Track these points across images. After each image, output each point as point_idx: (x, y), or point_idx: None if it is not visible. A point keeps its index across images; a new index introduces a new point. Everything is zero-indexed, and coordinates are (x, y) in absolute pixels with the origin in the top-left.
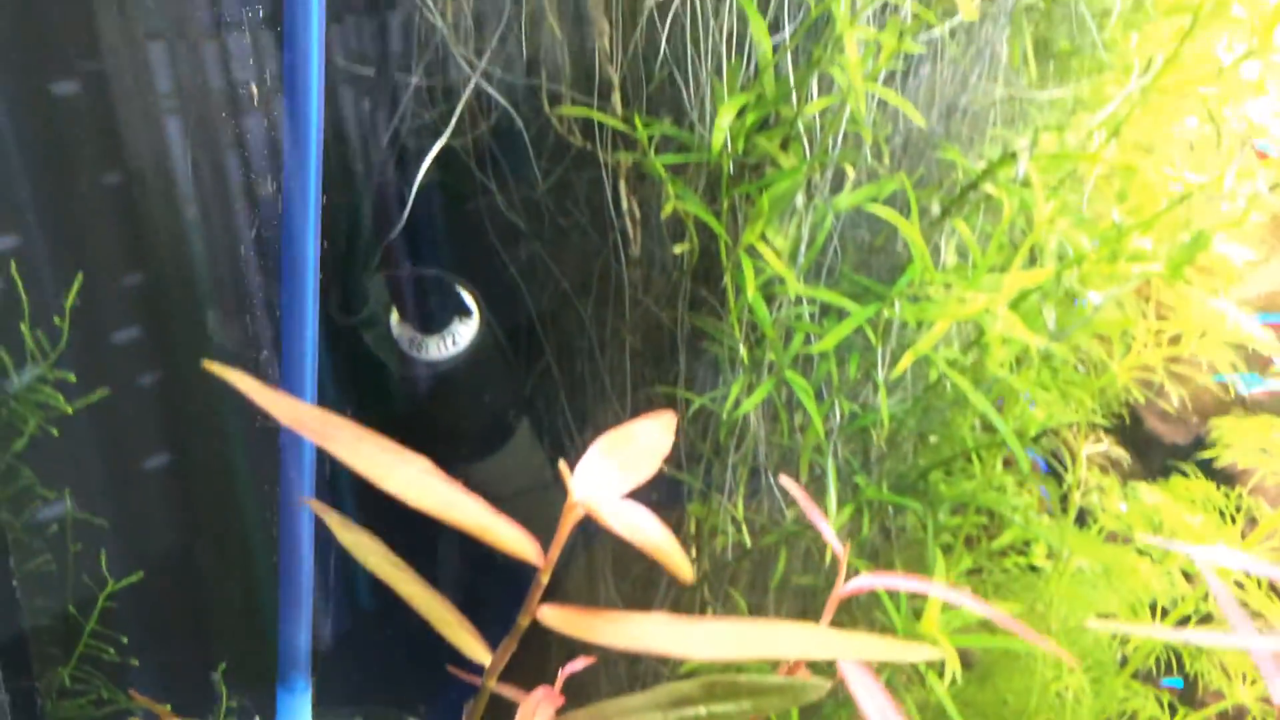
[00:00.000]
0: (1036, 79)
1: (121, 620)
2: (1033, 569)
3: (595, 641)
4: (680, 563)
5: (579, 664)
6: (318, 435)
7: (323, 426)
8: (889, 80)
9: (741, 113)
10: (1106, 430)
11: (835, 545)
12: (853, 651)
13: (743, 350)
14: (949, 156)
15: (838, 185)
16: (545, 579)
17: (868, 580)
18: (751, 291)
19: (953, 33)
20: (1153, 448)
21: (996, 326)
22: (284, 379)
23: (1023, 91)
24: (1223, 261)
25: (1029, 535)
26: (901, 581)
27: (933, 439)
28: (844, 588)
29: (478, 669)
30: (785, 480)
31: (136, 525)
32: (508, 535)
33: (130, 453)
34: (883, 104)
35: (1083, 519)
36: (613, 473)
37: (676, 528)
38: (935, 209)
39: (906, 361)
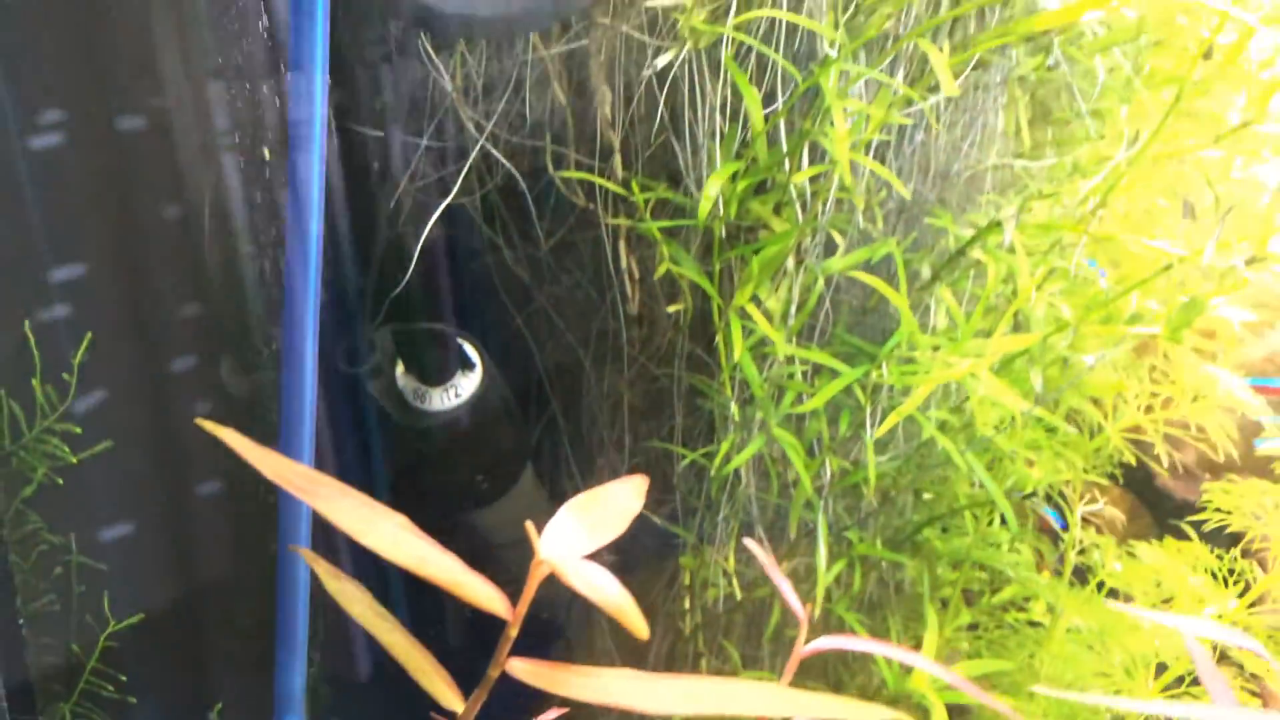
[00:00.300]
0: (1030, 146)
1: (122, 658)
2: (1033, 625)
3: (562, 694)
4: (635, 621)
5: (551, 714)
6: (302, 491)
7: (307, 483)
8: (883, 146)
9: (736, 177)
10: (1121, 486)
11: (795, 608)
12: (810, 710)
13: (734, 408)
14: (938, 224)
15: (833, 247)
16: (514, 632)
17: (826, 642)
18: (738, 352)
19: (946, 101)
20: (1164, 504)
21: (980, 390)
22: (283, 426)
23: (1013, 160)
24: (1224, 324)
25: (1026, 592)
26: (859, 643)
27: (927, 495)
28: (803, 649)
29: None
30: (749, 543)
31: (138, 566)
32: (479, 590)
33: (136, 493)
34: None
35: (1085, 577)
36: (580, 533)
37: (671, 579)
38: (926, 272)
39: (889, 423)
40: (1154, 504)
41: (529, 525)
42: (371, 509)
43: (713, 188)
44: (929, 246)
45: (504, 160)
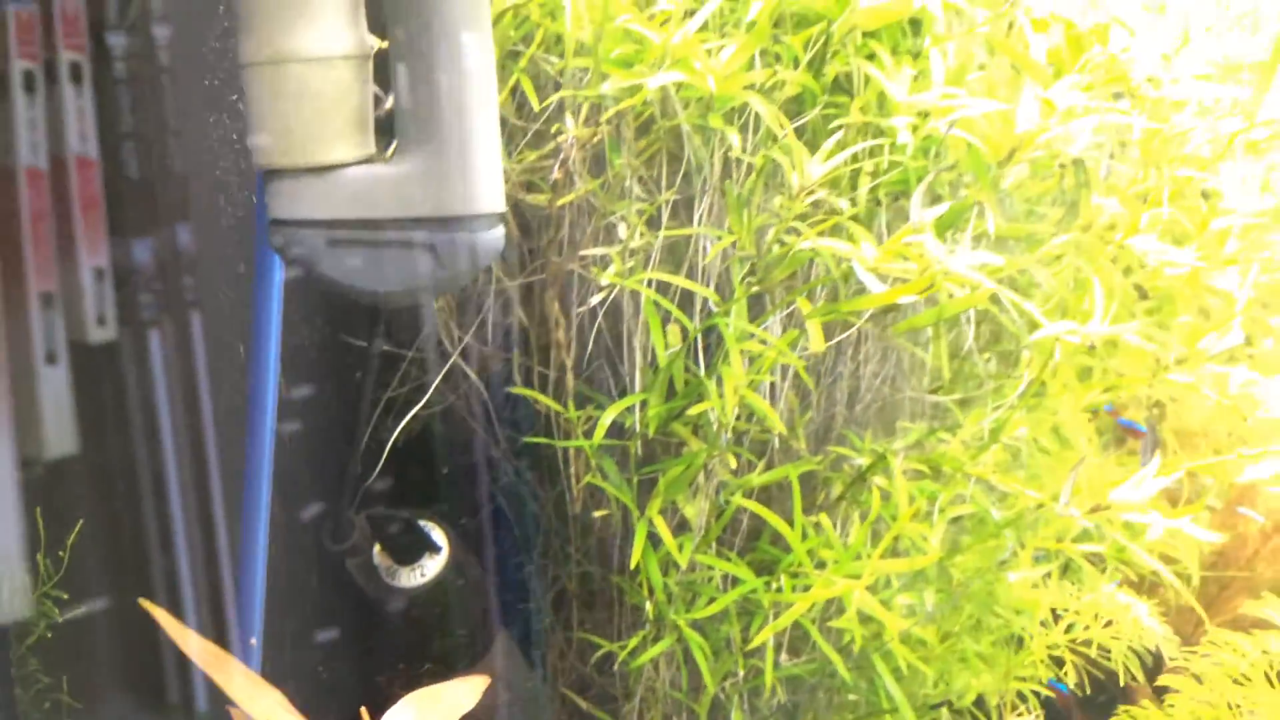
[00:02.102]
0: (950, 379)
1: None
2: None
3: None
4: None
5: None
6: (206, 665)
7: (212, 658)
8: (813, 370)
9: (646, 404)
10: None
11: None
12: None
13: (648, 606)
14: (840, 451)
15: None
16: None
17: None
18: (636, 559)
19: (864, 336)
20: None
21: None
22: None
23: (922, 394)
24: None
25: None
26: None
27: (852, 696)
28: None
29: None
30: None
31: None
32: None
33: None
34: (804, 390)
35: None
36: None
37: None
38: (836, 490)
39: (764, 635)
40: None
41: (363, 712)
42: (256, 684)
43: (607, 418)
44: (842, 469)
45: (470, 371)
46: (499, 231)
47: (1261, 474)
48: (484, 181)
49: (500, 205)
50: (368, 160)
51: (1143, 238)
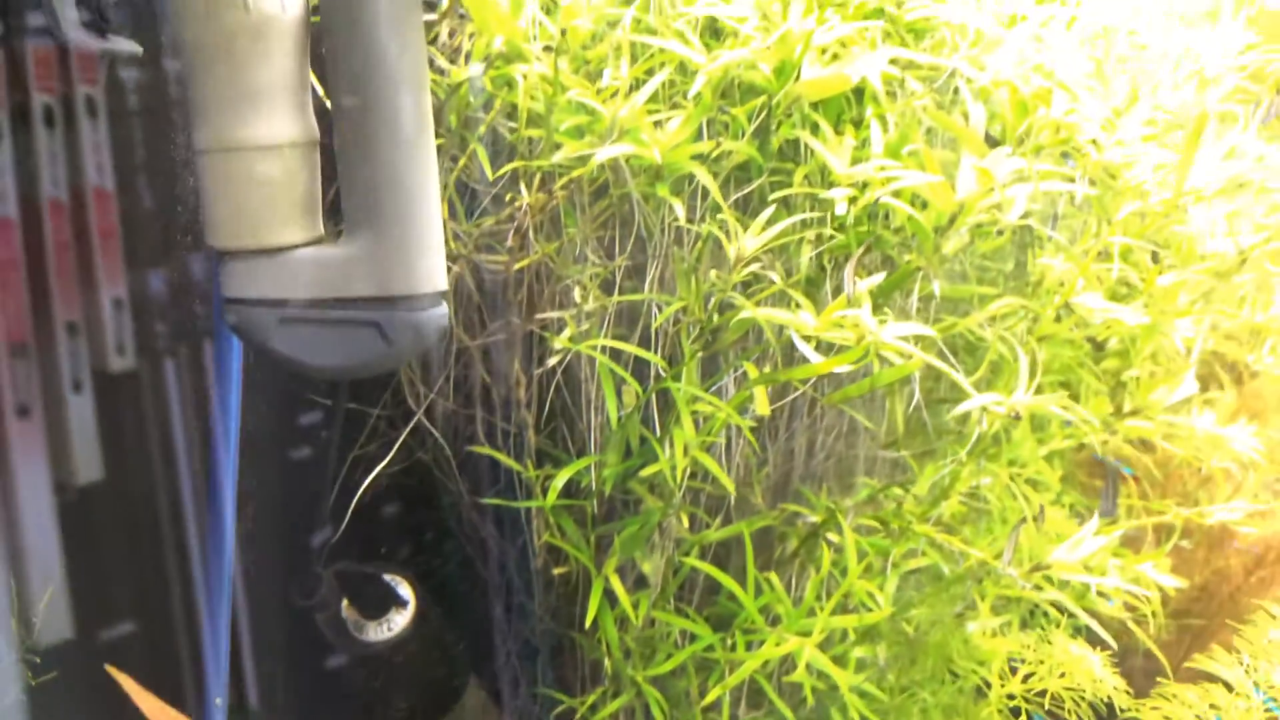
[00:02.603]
0: (905, 434)
1: None
2: None
3: None
4: None
5: None
6: None
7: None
8: (760, 431)
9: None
10: None
11: None
12: None
13: (607, 663)
14: (794, 508)
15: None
16: None
17: None
18: (591, 616)
19: (819, 394)
20: None
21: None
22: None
23: (877, 451)
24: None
25: None
26: None
27: None
28: None
29: None
30: None
31: None
32: None
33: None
34: (759, 446)
35: None
36: None
37: None
38: (791, 546)
39: (715, 694)
40: None
41: None
42: None
43: (560, 479)
44: (796, 524)
45: (434, 430)
46: (442, 309)
47: (1230, 516)
48: (427, 262)
49: (442, 284)
50: (316, 242)
51: (1088, 296)
